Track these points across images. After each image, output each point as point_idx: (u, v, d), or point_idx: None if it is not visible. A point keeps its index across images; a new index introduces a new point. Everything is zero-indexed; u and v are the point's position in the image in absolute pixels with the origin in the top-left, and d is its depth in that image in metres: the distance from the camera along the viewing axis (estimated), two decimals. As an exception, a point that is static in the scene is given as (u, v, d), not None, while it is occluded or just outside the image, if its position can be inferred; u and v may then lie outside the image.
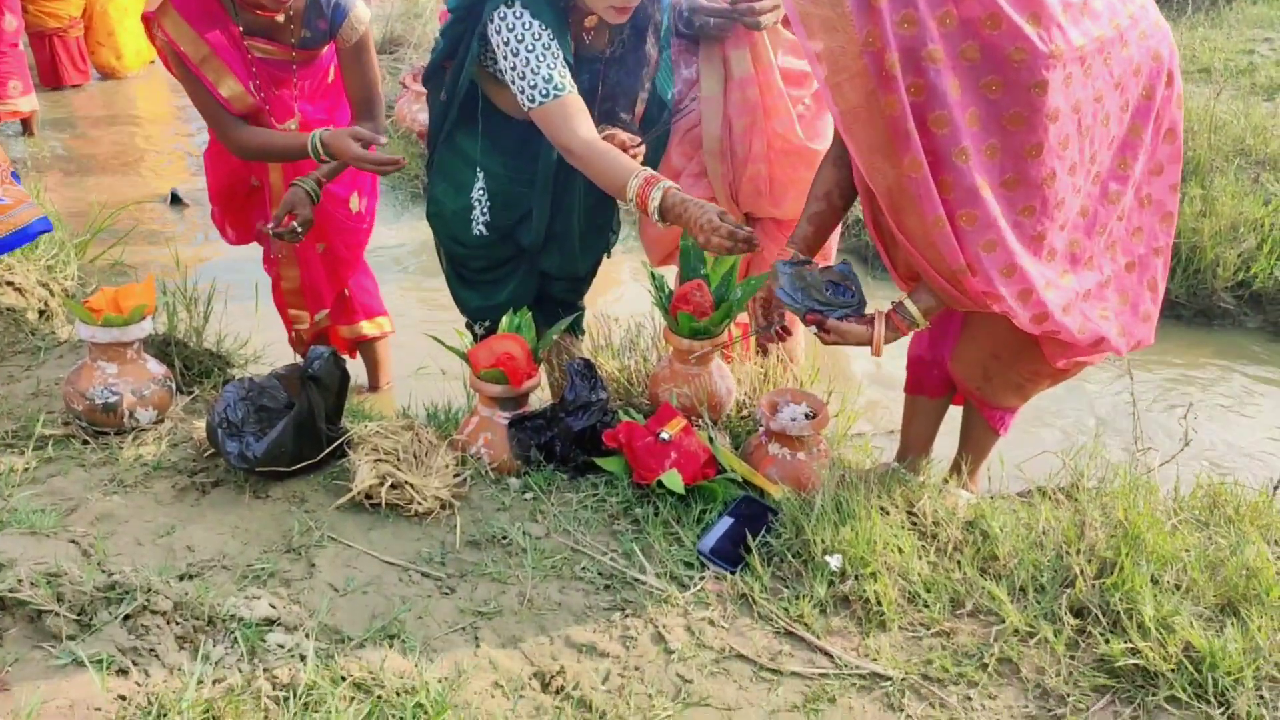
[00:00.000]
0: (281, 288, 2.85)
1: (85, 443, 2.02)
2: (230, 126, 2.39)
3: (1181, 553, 1.76)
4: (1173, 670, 1.54)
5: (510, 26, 1.96)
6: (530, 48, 1.96)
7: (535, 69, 1.96)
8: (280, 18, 2.36)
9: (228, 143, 2.43)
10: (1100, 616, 1.65)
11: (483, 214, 2.32)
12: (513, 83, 2.00)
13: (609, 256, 2.67)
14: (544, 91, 1.96)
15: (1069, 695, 1.54)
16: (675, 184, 1.93)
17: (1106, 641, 1.59)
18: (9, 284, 2.75)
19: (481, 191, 2.30)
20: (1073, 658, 1.61)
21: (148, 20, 2.33)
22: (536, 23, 1.97)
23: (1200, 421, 3.11)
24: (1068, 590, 1.71)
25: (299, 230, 2.39)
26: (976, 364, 2.08)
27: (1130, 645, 1.57)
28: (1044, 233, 1.72)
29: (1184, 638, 1.57)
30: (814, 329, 1.86)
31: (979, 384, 2.11)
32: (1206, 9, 7.41)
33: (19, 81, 5.46)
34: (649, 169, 1.94)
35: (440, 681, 1.46)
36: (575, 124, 1.98)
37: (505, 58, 1.98)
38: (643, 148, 2.30)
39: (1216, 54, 6.25)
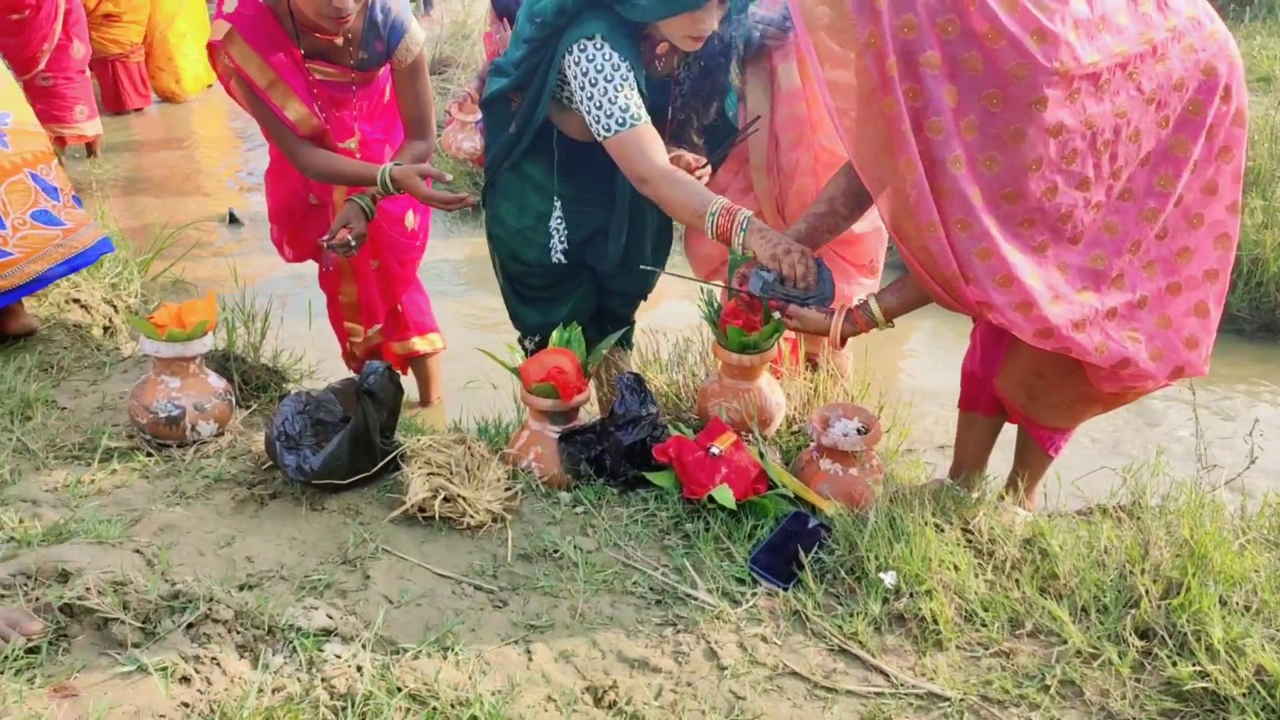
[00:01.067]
0: (339, 302, 2.90)
1: (149, 455, 2.07)
2: (298, 148, 2.44)
3: (1251, 573, 1.71)
4: (1244, 695, 1.49)
5: (590, 58, 2.00)
6: (609, 78, 1.99)
7: (613, 99, 1.99)
8: (339, 40, 2.41)
9: (296, 164, 2.47)
10: (1167, 638, 1.60)
11: (560, 241, 2.35)
12: (588, 113, 2.03)
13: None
14: (620, 121, 2.00)
15: (1135, 719, 1.49)
16: (752, 213, 1.96)
17: (1174, 664, 1.55)
18: (75, 301, 2.84)
19: (559, 220, 2.33)
20: (1138, 680, 1.56)
21: (214, 48, 2.32)
22: (616, 54, 2.01)
23: (1266, 439, 3.01)
24: (1132, 611, 1.66)
25: (353, 244, 2.44)
26: (1020, 382, 2.04)
27: (1199, 668, 1.53)
28: (1045, 245, 1.71)
29: (1255, 660, 1.52)
30: (777, 313, 2.01)
31: (1024, 402, 2.07)
32: (1264, 16, 7.25)
33: (85, 106, 5.65)
34: (724, 199, 1.97)
35: (494, 694, 1.46)
36: (650, 153, 2.01)
37: (583, 88, 2.02)
38: (708, 168, 2.31)
39: (1276, 62, 6.10)
